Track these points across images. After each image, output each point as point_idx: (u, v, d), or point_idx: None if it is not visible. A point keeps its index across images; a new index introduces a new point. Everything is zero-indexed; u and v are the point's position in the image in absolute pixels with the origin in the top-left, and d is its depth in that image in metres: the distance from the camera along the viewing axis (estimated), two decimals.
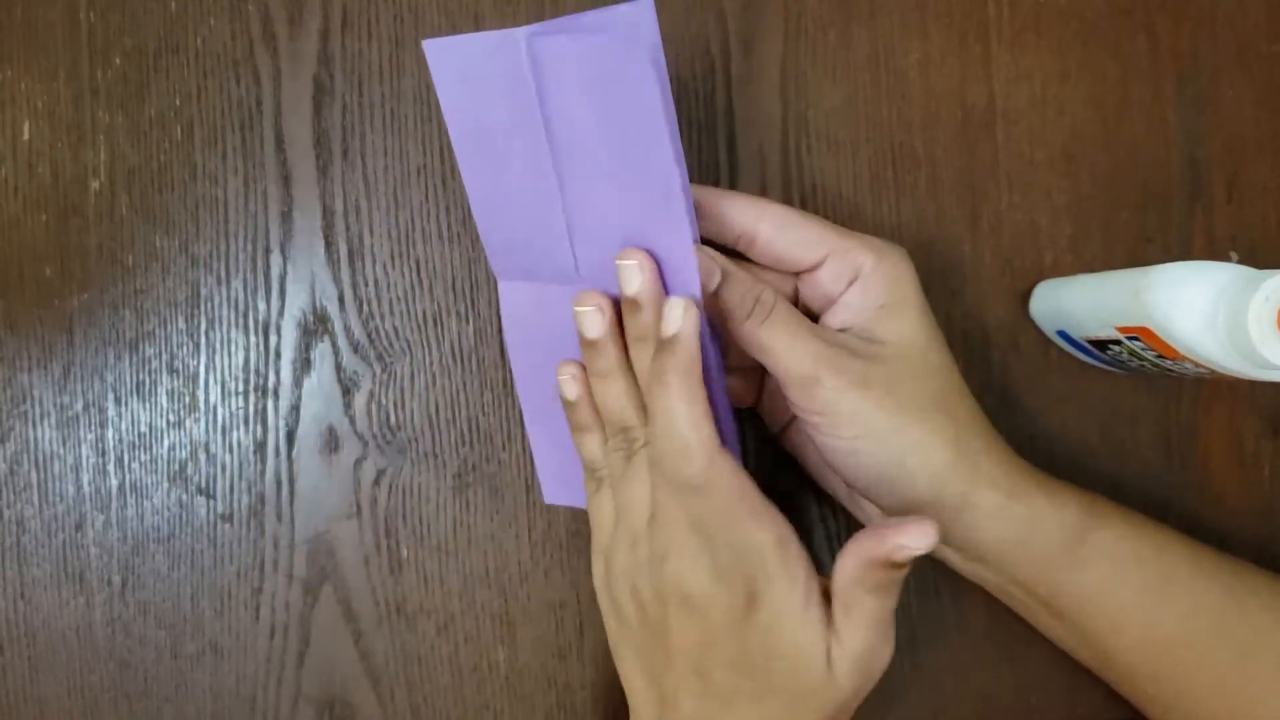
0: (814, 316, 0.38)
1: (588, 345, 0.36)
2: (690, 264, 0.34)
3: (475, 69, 0.35)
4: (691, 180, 0.44)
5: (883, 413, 0.35)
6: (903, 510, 0.37)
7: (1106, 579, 0.37)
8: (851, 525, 0.44)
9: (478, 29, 0.44)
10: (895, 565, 0.32)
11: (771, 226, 0.37)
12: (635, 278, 0.35)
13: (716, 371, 0.36)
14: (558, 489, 0.43)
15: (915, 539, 0.31)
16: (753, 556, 0.33)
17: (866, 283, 0.37)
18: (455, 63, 0.35)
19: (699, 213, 0.37)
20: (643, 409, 0.36)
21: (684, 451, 0.33)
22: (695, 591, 0.34)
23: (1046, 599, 0.38)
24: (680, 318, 0.33)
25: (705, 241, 0.36)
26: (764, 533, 0.33)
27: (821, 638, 0.33)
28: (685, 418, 0.33)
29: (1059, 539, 0.37)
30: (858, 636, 0.33)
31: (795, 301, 0.39)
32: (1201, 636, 0.37)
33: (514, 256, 0.39)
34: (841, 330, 0.37)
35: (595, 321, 0.36)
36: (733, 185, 0.44)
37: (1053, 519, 0.37)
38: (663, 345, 0.34)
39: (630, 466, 0.36)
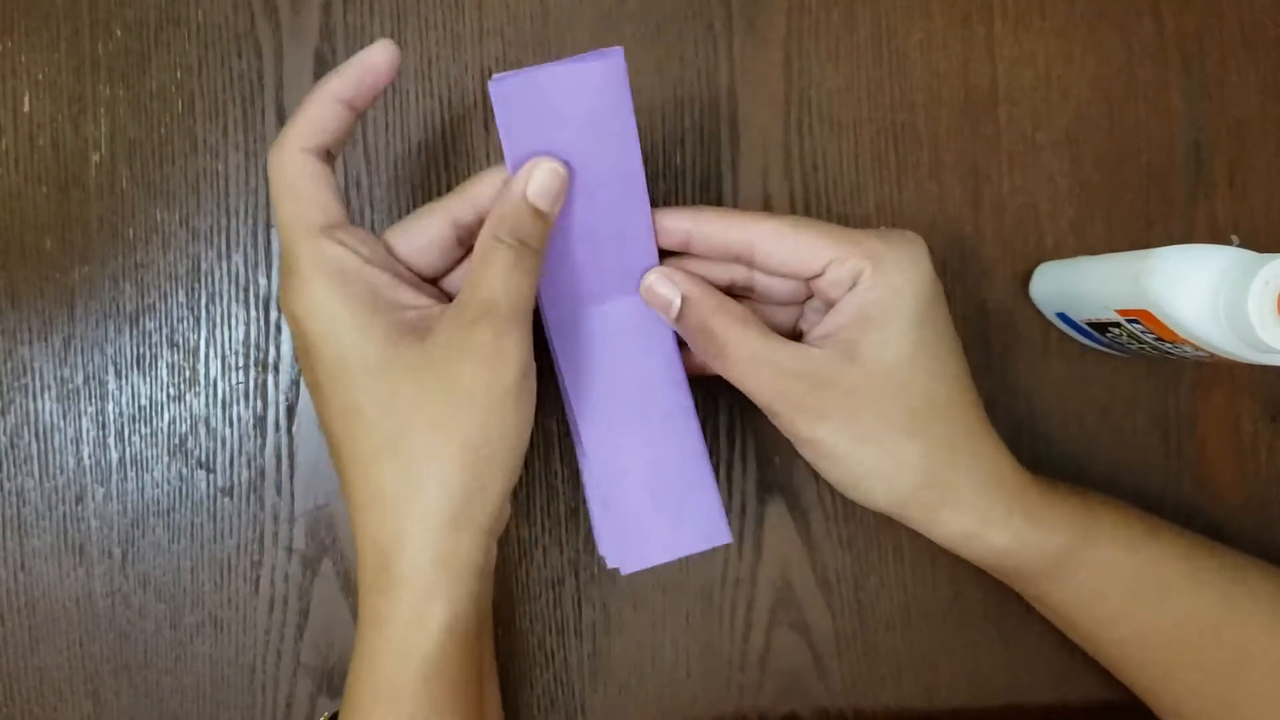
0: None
1: None
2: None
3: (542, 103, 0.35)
4: (694, 161, 0.44)
5: (841, 440, 0.35)
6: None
7: (1095, 591, 0.37)
8: (848, 505, 0.44)
9: (480, 5, 0.44)
10: None
11: (769, 240, 0.36)
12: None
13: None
14: (628, 551, 0.38)
15: None
16: None
17: (860, 292, 0.35)
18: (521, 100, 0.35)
19: (693, 232, 0.37)
20: None
21: None
22: None
23: (1034, 597, 0.39)
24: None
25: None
26: None
27: None
28: None
29: (1042, 562, 0.37)
30: None
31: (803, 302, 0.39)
32: (1193, 641, 0.37)
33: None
34: (825, 337, 0.36)
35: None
36: (734, 165, 0.44)
37: (1036, 544, 0.36)
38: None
39: None
